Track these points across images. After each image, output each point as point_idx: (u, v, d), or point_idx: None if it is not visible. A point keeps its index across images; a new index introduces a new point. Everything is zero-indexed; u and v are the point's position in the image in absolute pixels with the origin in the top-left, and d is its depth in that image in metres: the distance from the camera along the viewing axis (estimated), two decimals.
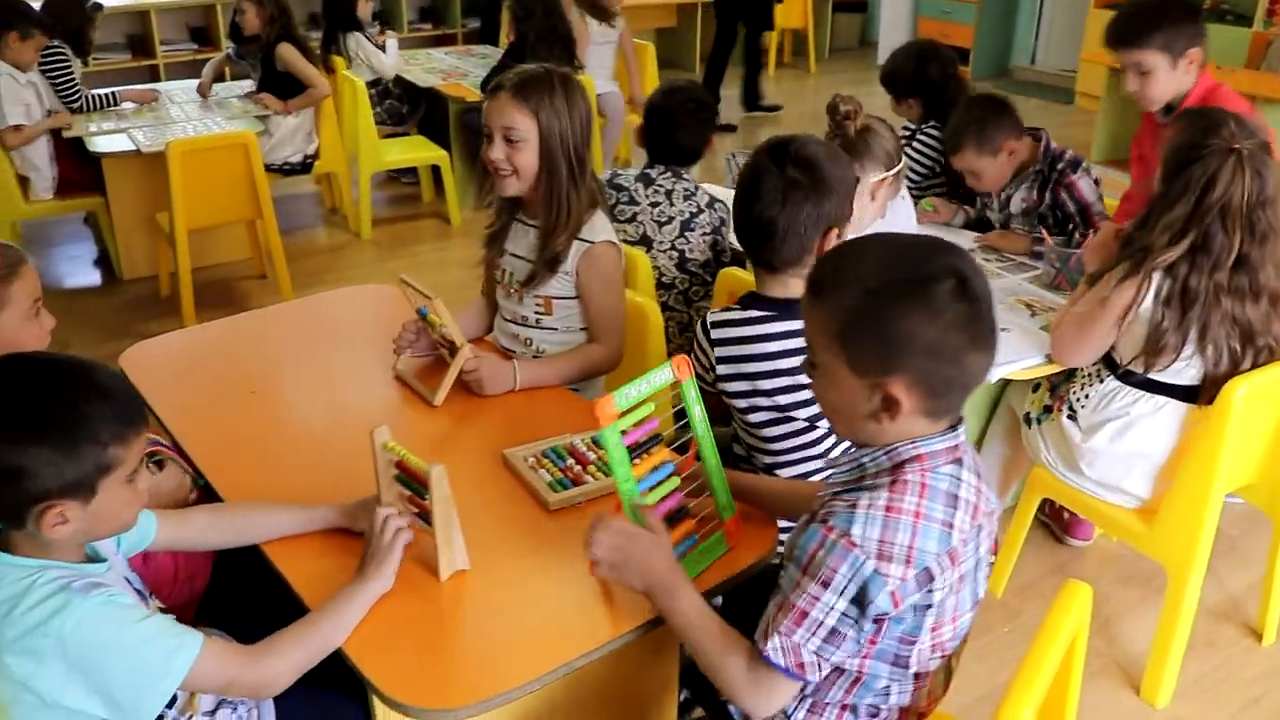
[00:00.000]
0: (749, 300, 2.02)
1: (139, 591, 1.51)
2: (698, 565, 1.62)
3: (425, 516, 1.59)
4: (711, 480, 1.69)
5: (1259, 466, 2.42)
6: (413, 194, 6.00)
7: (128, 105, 4.99)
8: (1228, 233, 2.13)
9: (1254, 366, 2.22)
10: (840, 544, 1.29)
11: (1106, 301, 2.24)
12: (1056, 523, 2.99)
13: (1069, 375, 2.51)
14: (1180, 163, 2.18)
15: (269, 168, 4.69)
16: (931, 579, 1.30)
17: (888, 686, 1.42)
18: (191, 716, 1.48)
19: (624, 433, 1.53)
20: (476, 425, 2.10)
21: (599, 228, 2.26)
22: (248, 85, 5.29)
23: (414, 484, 1.59)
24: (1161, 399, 2.30)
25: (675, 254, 2.91)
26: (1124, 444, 2.34)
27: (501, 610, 1.56)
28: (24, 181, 4.54)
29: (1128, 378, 2.33)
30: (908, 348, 1.27)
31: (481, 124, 2.23)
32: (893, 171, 2.45)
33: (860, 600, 1.29)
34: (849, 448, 1.95)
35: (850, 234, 2.08)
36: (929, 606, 1.32)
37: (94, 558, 1.43)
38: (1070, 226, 3.04)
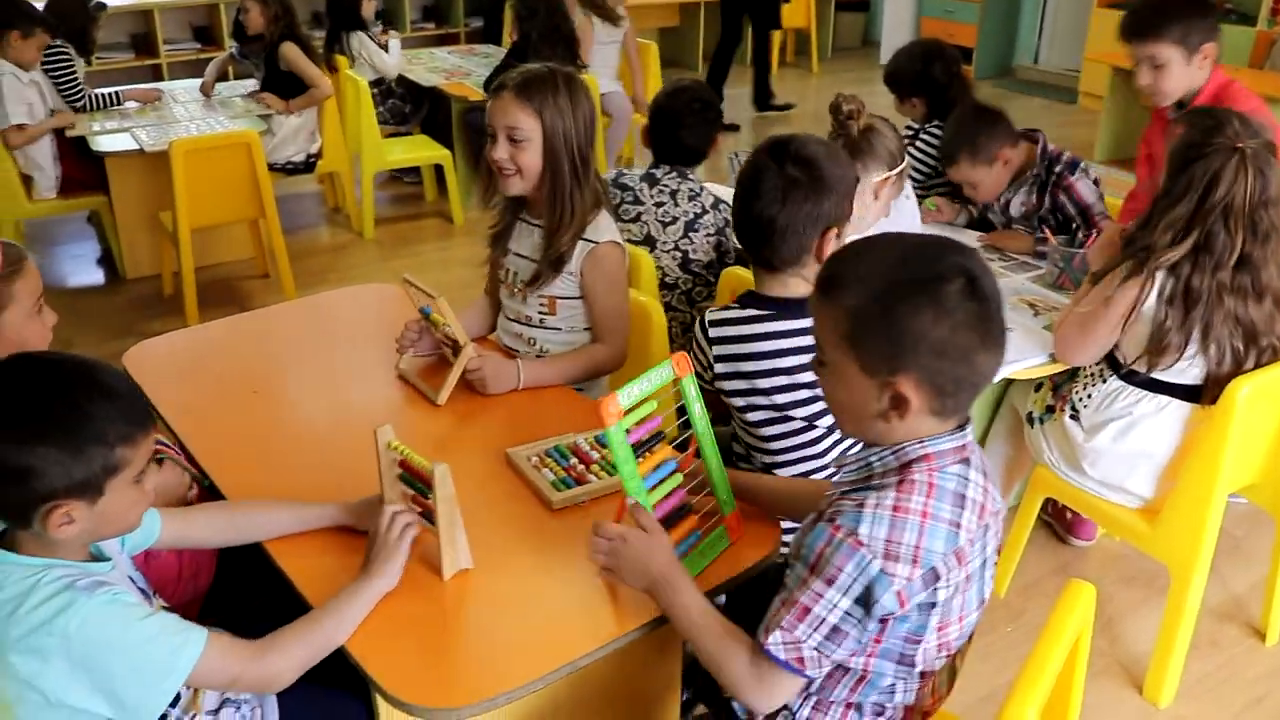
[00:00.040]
0: (747, 299, 2.02)
1: (143, 590, 1.51)
2: (701, 561, 1.62)
3: (429, 516, 1.59)
4: (712, 476, 1.69)
5: (1262, 466, 2.41)
6: (415, 193, 6.00)
7: (131, 104, 5.00)
8: (1230, 232, 2.13)
9: (1257, 366, 2.22)
10: (847, 543, 1.29)
11: (1110, 301, 2.24)
12: (1059, 522, 2.99)
13: (1071, 375, 2.51)
14: (1183, 161, 2.18)
15: (272, 167, 4.69)
16: (938, 578, 1.30)
17: (893, 685, 1.42)
18: (195, 716, 1.48)
19: (627, 431, 1.53)
20: (479, 424, 2.10)
21: (603, 228, 2.26)
22: (251, 84, 5.29)
23: (417, 483, 1.60)
24: (1164, 399, 2.30)
25: (679, 254, 2.91)
26: (1126, 444, 2.34)
27: (505, 609, 1.56)
28: (27, 181, 4.55)
29: (1130, 377, 2.33)
30: (917, 346, 1.27)
31: (485, 123, 2.23)
32: (896, 171, 2.45)
33: (865, 600, 1.29)
34: (848, 448, 1.97)
35: (853, 233, 2.08)
36: (934, 605, 1.32)
37: (98, 557, 1.44)
38: (1074, 227, 3.03)
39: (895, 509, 1.30)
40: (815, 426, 1.98)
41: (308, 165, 5.07)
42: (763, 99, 7.69)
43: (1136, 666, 2.51)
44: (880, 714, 1.46)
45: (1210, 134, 2.16)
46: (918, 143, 3.55)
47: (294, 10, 4.98)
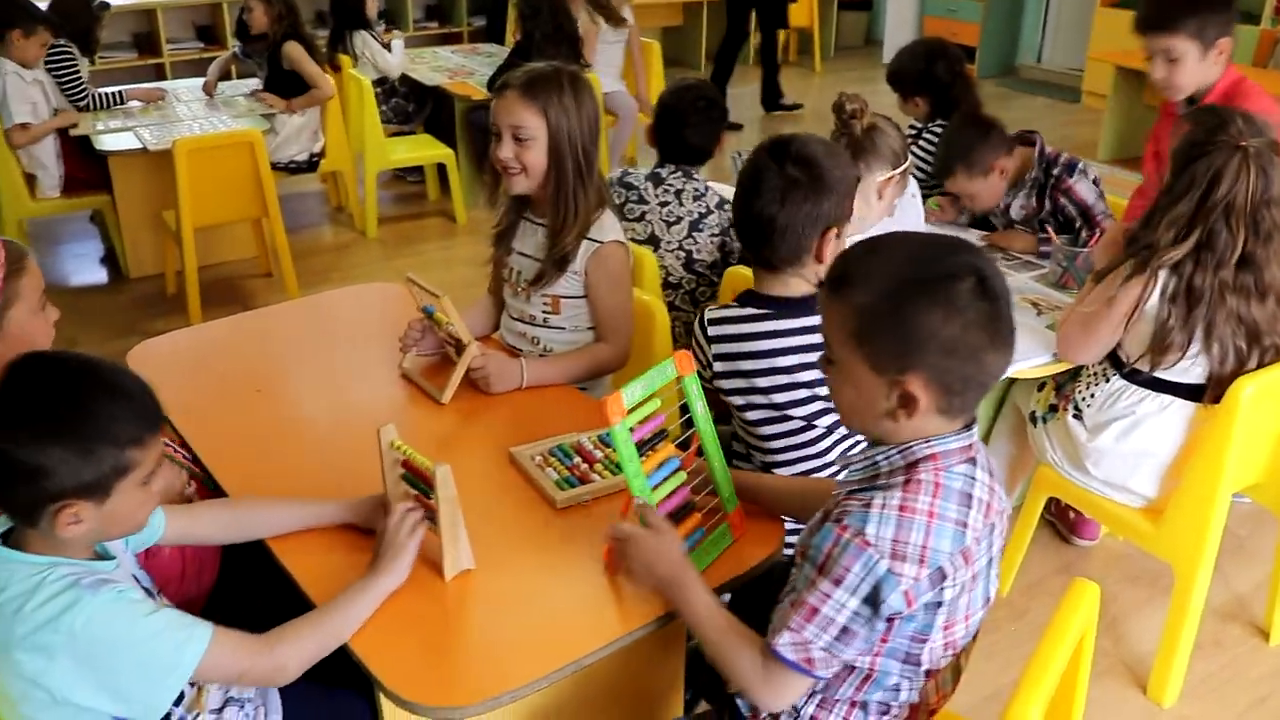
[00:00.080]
0: (746, 298, 2.02)
1: (146, 589, 1.51)
2: (705, 558, 1.62)
3: (431, 516, 1.59)
4: (715, 474, 1.70)
5: (1266, 466, 2.41)
6: (418, 192, 6.00)
7: (134, 104, 5.01)
8: (1232, 231, 2.12)
9: (1260, 365, 2.22)
10: (854, 543, 1.30)
11: (1112, 300, 2.24)
12: (1062, 522, 2.99)
13: (1074, 374, 2.51)
14: (1186, 159, 2.18)
15: (275, 166, 4.70)
16: (944, 578, 1.30)
17: (898, 684, 1.42)
18: (199, 715, 1.49)
19: (631, 430, 1.53)
20: (483, 423, 2.10)
21: (608, 227, 2.26)
22: (253, 83, 5.30)
23: (419, 483, 1.60)
24: (1167, 398, 2.29)
25: (683, 254, 2.91)
26: (1130, 443, 2.33)
27: (509, 608, 1.56)
28: (31, 180, 4.56)
29: (1133, 376, 2.33)
30: (927, 345, 1.27)
31: (489, 122, 2.23)
32: (899, 170, 2.45)
33: (873, 599, 1.29)
34: (849, 447, 1.97)
35: (856, 233, 2.07)
36: (941, 605, 1.33)
37: (103, 555, 1.44)
38: (1076, 227, 3.03)
39: (902, 509, 1.30)
40: (814, 426, 1.98)
41: (311, 164, 5.08)
42: (771, 99, 7.68)
43: (1140, 666, 2.51)
44: (885, 712, 1.46)
45: (1214, 132, 2.16)
46: (920, 142, 3.54)
47: (297, 9, 4.99)
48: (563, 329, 2.32)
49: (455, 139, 5.57)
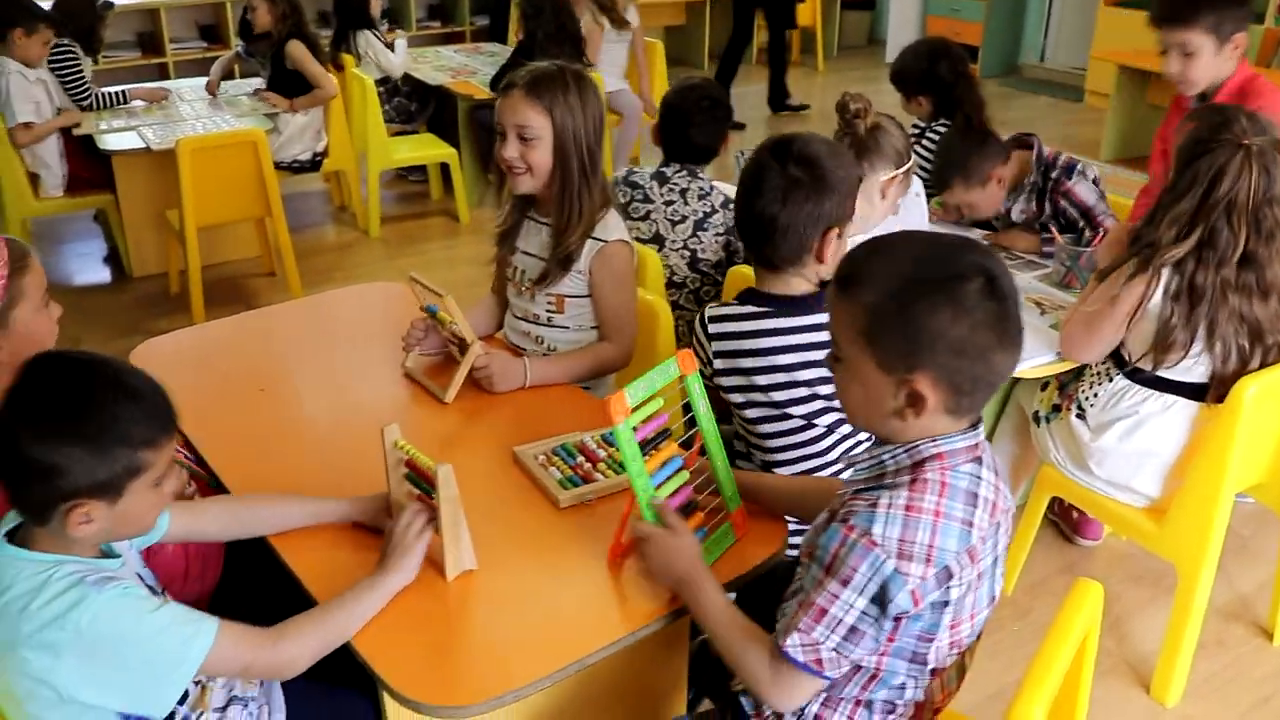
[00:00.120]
0: (747, 296, 2.02)
1: (150, 587, 1.51)
2: (709, 557, 1.62)
3: (434, 515, 1.59)
4: (717, 473, 1.70)
5: (1269, 465, 2.41)
6: (421, 191, 6.01)
7: (138, 103, 5.01)
8: (1233, 229, 2.12)
9: (1263, 365, 2.21)
10: (861, 543, 1.30)
11: (1115, 299, 2.23)
12: (1065, 522, 2.99)
13: (1078, 374, 2.51)
14: (1190, 157, 2.18)
15: (278, 165, 4.70)
16: (951, 577, 1.31)
17: (904, 683, 1.42)
18: (203, 714, 1.49)
19: (634, 429, 1.53)
20: (486, 422, 2.10)
21: (612, 226, 2.26)
22: (257, 83, 5.30)
23: (422, 483, 1.60)
24: (1170, 397, 2.29)
25: (687, 253, 2.91)
26: (1133, 443, 2.33)
27: (512, 607, 1.56)
28: (34, 179, 4.57)
29: (1136, 376, 2.33)
30: (936, 345, 1.27)
31: (494, 121, 2.23)
32: (903, 170, 2.45)
33: (881, 599, 1.30)
34: (850, 447, 1.97)
35: (859, 232, 2.08)
36: (947, 604, 1.33)
37: (108, 553, 1.44)
38: (1080, 226, 3.02)
39: (908, 508, 1.30)
40: (814, 425, 1.98)
41: (314, 164, 5.08)
42: (778, 99, 7.67)
43: (1143, 666, 2.51)
44: (891, 711, 1.46)
45: (1217, 130, 2.16)
46: (924, 141, 3.54)
47: (301, 9, 4.99)
48: (567, 328, 2.33)
49: (458, 138, 5.57)
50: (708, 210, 2.90)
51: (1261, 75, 2.87)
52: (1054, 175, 3.02)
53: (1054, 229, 3.00)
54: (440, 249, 5.26)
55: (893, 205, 2.48)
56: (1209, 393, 2.25)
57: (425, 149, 5.55)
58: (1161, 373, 2.28)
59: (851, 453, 1.98)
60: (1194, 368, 2.24)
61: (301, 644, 1.44)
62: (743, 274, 2.51)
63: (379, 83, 5.40)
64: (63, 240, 5.34)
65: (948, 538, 1.30)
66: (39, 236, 5.17)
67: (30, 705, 1.34)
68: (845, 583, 1.31)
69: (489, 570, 1.62)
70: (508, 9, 7.34)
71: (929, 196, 3.40)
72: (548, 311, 2.32)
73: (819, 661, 1.35)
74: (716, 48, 8.96)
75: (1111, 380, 2.37)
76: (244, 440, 2.00)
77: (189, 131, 4.49)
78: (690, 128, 2.93)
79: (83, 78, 4.76)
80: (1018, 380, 2.70)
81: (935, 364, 1.28)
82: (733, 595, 1.59)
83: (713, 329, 2.02)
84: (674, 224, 2.91)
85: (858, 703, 1.46)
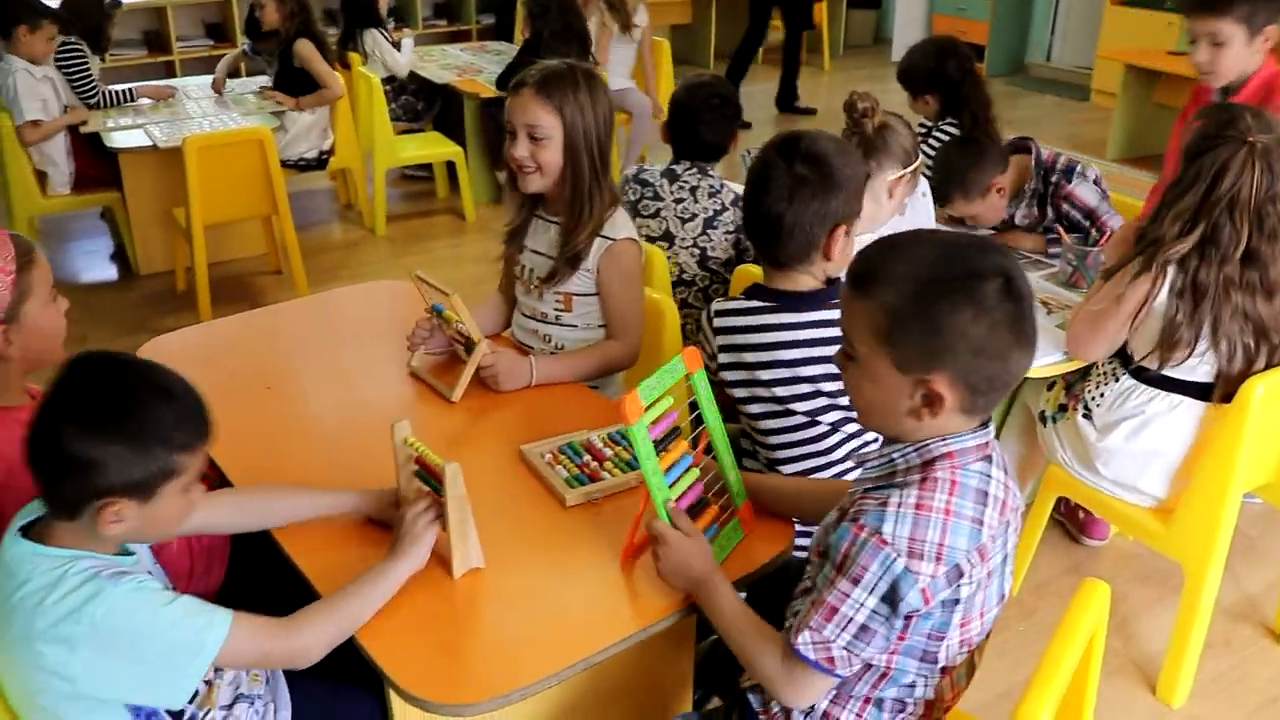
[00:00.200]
0: (753, 291, 2.03)
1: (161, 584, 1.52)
2: (720, 554, 1.63)
3: (442, 512, 1.59)
4: (724, 470, 1.70)
5: (1277, 466, 2.40)
6: (427, 190, 6.01)
7: (144, 101, 5.02)
8: (1235, 225, 2.12)
9: (1269, 364, 2.21)
10: (871, 542, 1.30)
11: (1121, 297, 2.23)
12: (1072, 522, 2.98)
13: (1084, 374, 2.50)
14: (1194, 153, 2.18)
15: (284, 163, 4.71)
16: (961, 575, 1.31)
17: (914, 681, 1.42)
18: (209, 711, 1.49)
19: (647, 428, 1.54)
20: (493, 421, 2.10)
21: (620, 224, 2.26)
22: (262, 81, 5.31)
23: (432, 480, 1.60)
24: (1177, 397, 2.29)
25: (697, 251, 2.91)
26: (1139, 443, 2.33)
27: (519, 605, 1.56)
28: (42, 177, 4.58)
29: (1143, 375, 2.32)
30: (956, 345, 1.27)
31: (504, 119, 2.22)
32: (910, 169, 2.44)
33: (891, 598, 1.30)
34: (857, 447, 1.96)
35: (866, 232, 2.07)
36: (958, 602, 1.33)
37: (123, 551, 1.45)
38: (1086, 227, 3.01)
39: (918, 507, 1.30)
40: (817, 423, 1.98)
41: (320, 162, 5.08)
42: (787, 99, 7.67)
43: (1150, 666, 2.51)
44: (901, 709, 1.47)
45: (1223, 127, 2.16)
46: (930, 140, 3.53)
47: (309, 7, 4.99)
48: (575, 326, 2.32)
49: (464, 136, 5.57)
50: (718, 208, 2.90)
51: None
52: (1054, 180, 3.00)
53: (1060, 228, 2.99)
54: (446, 247, 5.27)
55: (900, 204, 2.48)
56: (1215, 392, 2.25)
57: (431, 147, 5.56)
58: (1167, 372, 2.28)
59: (857, 453, 1.97)
60: (1200, 367, 2.24)
61: (316, 632, 1.44)
62: (751, 272, 2.51)
63: (385, 81, 5.41)
64: (69, 238, 5.35)
65: (958, 536, 1.30)
66: (46, 234, 5.19)
67: (43, 699, 1.35)
68: (856, 581, 1.31)
69: (496, 568, 1.62)
70: (514, 7, 7.34)
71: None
72: (556, 310, 2.32)
73: (830, 660, 1.35)
74: (722, 47, 8.97)
75: (1118, 380, 2.36)
76: (250, 438, 2.00)
77: (196, 129, 4.50)
78: (700, 125, 2.93)
79: (90, 76, 4.77)
80: (1024, 380, 2.69)
81: (955, 364, 1.28)
82: (743, 594, 1.59)
83: (718, 322, 2.02)
84: (684, 221, 2.90)
85: (867, 700, 1.46)
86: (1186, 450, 2.31)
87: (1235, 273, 2.14)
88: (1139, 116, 6.43)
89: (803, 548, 1.72)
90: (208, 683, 1.48)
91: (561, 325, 2.33)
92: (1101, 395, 2.39)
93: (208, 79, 5.37)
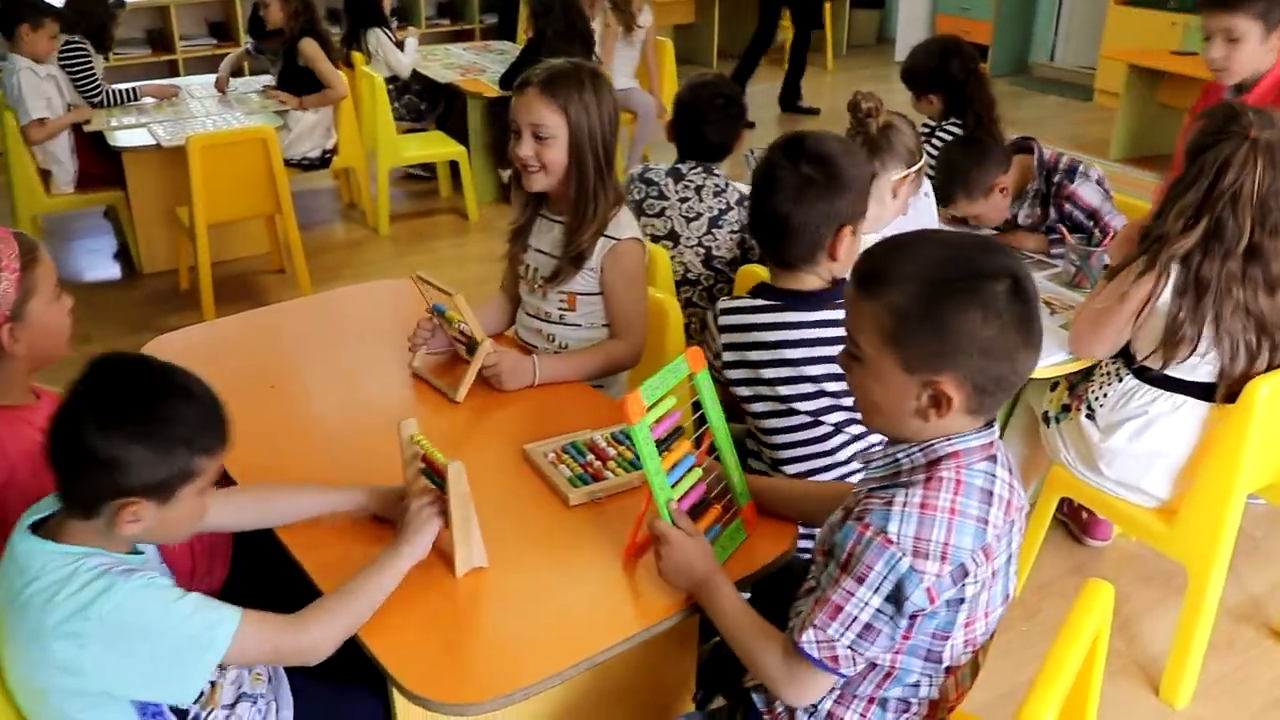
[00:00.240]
0: (759, 290, 2.03)
1: None
2: (723, 554, 1.63)
3: (446, 511, 1.59)
4: (727, 469, 1.70)
5: None
6: (430, 189, 6.01)
7: (148, 100, 5.03)
8: (1238, 220, 2.12)
9: (1270, 363, 2.20)
10: (876, 541, 1.30)
11: (1125, 295, 2.23)
12: (1075, 522, 2.98)
13: (1087, 374, 2.50)
14: (1197, 150, 2.18)
15: (288, 163, 4.70)
16: (966, 575, 1.31)
17: (918, 681, 1.42)
18: (212, 711, 1.49)
19: (650, 427, 1.54)
20: (497, 420, 2.10)
21: (624, 224, 2.25)
22: (266, 80, 5.31)
23: (437, 478, 1.60)
24: (1180, 398, 2.29)
25: (702, 250, 2.91)
26: (1143, 443, 2.32)
27: (522, 605, 1.56)
28: (45, 175, 4.58)
29: (1145, 375, 2.32)
30: (965, 346, 1.27)
31: (509, 118, 2.22)
32: (914, 169, 2.44)
33: (896, 597, 1.30)
34: (861, 449, 1.96)
35: (870, 232, 2.07)
36: (963, 601, 1.33)
37: (132, 550, 1.46)
38: (1089, 227, 3.01)
39: (923, 506, 1.30)
40: (821, 423, 1.98)
41: (323, 161, 5.09)
42: (790, 99, 7.67)
43: (1153, 667, 2.51)
44: (905, 709, 1.47)
45: (1226, 123, 2.16)
46: (934, 140, 3.53)
47: (314, 6, 4.99)
48: (579, 325, 2.32)
49: (467, 136, 5.57)
50: (723, 207, 2.90)
51: None
52: (1056, 180, 3.00)
53: (1064, 228, 2.99)
54: (449, 247, 5.27)
55: (903, 205, 2.47)
56: (1217, 391, 2.25)
57: (435, 147, 5.56)
58: (1171, 372, 2.27)
59: (861, 454, 1.97)
60: (1202, 366, 2.24)
61: (325, 628, 1.45)
62: (755, 272, 2.50)
63: (388, 80, 5.41)
64: (73, 237, 5.35)
65: (963, 535, 1.30)
66: (50, 233, 5.19)
67: (52, 697, 1.35)
68: (861, 580, 1.31)
69: (499, 568, 1.62)
70: (517, 7, 7.34)
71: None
72: (560, 309, 2.32)
73: (834, 658, 1.35)
74: (725, 46, 8.97)
75: (1121, 380, 2.36)
76: (254, 437, 1.99)
77: (199, 128, 4.51)
78: (704, 125, 2.93)
79: (93, 75, 4.77)
80: (1028, 380, 2.69)
81: (963, 365, 1.28)
82: (746, 595, 1.59)
83: (723, 320, 2.03)
84: (689, 221, 2.90)
85: (872, 700, 1.46)
86: (1190, 451, 2.31)
87: (1238, 268, 2.14)
88: (1142, 116, 6.43)
89: (806, 550, 1.73)
90: (212, 683, 1.48)
91: (565, 325, 2.33)
92: (1105, 395, 2.38)
93: (211, 78, 5.38)
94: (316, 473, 1.87)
